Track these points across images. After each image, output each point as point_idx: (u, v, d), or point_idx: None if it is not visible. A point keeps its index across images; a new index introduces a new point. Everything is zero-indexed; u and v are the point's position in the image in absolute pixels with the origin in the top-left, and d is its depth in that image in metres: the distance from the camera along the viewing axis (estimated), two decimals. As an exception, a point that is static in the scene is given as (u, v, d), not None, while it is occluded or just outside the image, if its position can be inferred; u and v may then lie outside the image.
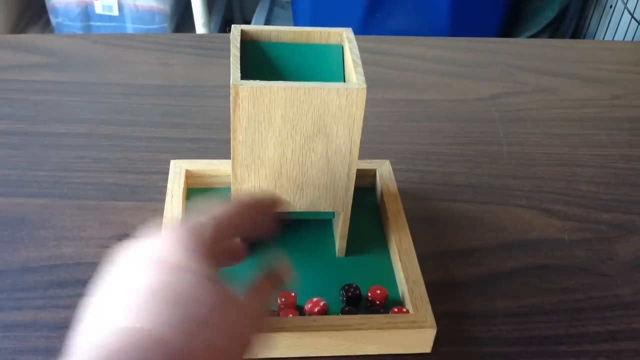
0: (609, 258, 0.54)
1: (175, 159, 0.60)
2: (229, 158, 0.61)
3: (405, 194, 0.56)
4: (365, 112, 0.69)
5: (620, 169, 0.64)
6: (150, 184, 0.57)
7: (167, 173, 0.55)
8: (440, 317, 0.44)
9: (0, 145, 0.61)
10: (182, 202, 0.51)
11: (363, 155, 0.63)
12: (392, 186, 0.54)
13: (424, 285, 0.46)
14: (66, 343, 0.43)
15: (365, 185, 0.56)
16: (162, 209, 0.50)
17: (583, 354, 0.46)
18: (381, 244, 0.51)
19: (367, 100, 0.74)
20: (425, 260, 0.49)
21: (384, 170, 0.56)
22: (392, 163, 0.57)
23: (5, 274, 0.48)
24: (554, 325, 0.48)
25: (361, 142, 0.65)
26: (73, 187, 0.57)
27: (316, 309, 0.44)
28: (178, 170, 0.54)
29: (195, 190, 0.54)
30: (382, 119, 0.68)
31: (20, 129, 0.63)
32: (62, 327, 0.45)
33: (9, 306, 0.46)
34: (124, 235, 0.52)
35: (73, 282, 0.48)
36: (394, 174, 0.56)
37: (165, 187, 0.52)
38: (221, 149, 0.62)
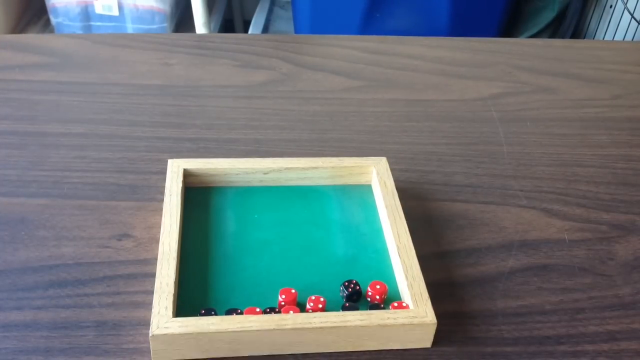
0: (609, 258, 0.54)
1: (175, 158, 0.60)
2: (229, 158, 0.61)
3: (405, 194, 0.56)
4: (365, 112, 0.70)
5: (620, 169, 0.64)
6: (150, 184, 0.57)
7: (166, 173, 0.55)
8: (440, 317, 0.44)
9: (0, 145, 0.61)
10: (181, 201, 0.51)
11: (362, 154, 0.63)
12: (390, 182, 0.54)
13: (423, 281, 0.46)
14: (66, 343, 0.44)
15: (362, 182, 0.56)
16: (162, 209, 0.50)
17: (583, 354, 0.46)
18: (380, 240, 0.51)
19: (367, 100, 0.74)
20: (425, 260, 0.49)
21: (381, 167, 0.56)
22: (392, 163, 0.57)
23: (5, 274, 0.48)
24: (554, 325, 0.48)
25: (361, 142, 0.65)
26: (73, 187, 0.57)
27: (318, 306, 0.45)
28: (176, 169, 0.54)
29: (193, 189, 0.54)
30: (382, 119, 0.68)
31: (20, 129, 0.63)
32: (62, 327, 0.45)
33: (9, 306, 0.46)
34: (124, 235, 0.52)
35: (73, 282, 0.48)
36: (393, 173, 0.56)
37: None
38: (221, 149, 0.62)
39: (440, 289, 0.49)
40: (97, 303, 0.46)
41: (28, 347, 0.43)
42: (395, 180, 0.55)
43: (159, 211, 0.52)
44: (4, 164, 0.58)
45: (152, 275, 0.46)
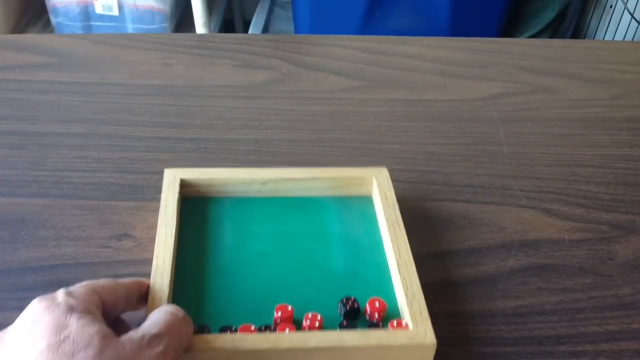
0: (609, 258, 0.54)
1: (175, 159, 0.60)
2: (229, 158, 0.61)
3: (405, 194, 0.56)
4: (365, 112, 0.70)
5: (620, 169, 0.64)
6: (150, 184, 0.57)
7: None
8: (440, 317, 0.44)
9: (0, 145, 0.61)
10: (177, 212, 0.50)
11: (363, 154, 0.63)
12: (390, 194, 0.52)
13: (424, 298, 0.44)
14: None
15: (362, 194, 0.55)
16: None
17: (583, 354, 0.46)
18: (380, 254, 0.50)
19: (367, 100, 0.74)
20: (424, 261, 0.49)
21: (381, 177, 0.54)
22: (392, 163, 0.57)
23: (5, 274, 0.48)
24: (553, 325, 0.48)
25: (361, 142, 0.65)
26: (73, 187, 0.57)
27: (315, 324, 0.43)
28: (172, 179, 0.52)
29: (190, 199, 0.53)
30: (382, 119, 0.68)
31: (20, 129, 0.63)
32: (62, 327, 0.44)
33: (9, 306, 0.46)
34: (124, 235, 0.52)
35: (73, 282, 0.48)
36: (393, 173, 0.55)
37: (165, 187, 0.52)
38: (221, 149, 0.62)
39: (440, 289, 0.49)
40: (97, 303, 0.46)
41: (28, 347, 0.43)
42: (395, 181, 0.54)
43: (158, 211, 0.52)
44: (4, 164, 0.59)
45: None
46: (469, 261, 0.52)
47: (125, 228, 0.53)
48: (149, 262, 0.49)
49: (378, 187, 0.53)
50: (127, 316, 0.46)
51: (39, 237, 0.51)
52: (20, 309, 0.46)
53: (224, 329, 0.43)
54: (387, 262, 0.49)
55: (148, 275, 0.48)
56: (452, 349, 0.45)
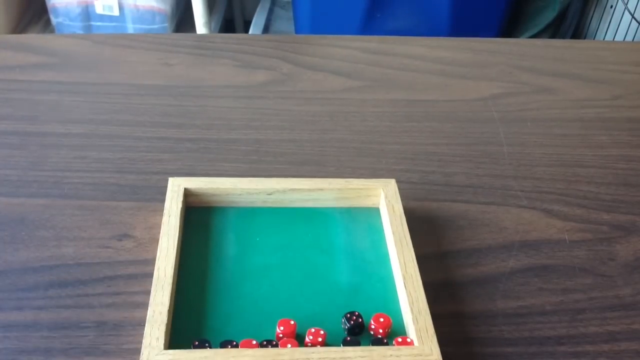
0: (609, 258, 0.54)
1: (175, 159, 0.60)
2: (229, 158, 0.61)
3: (406, 194, 0.56)
4: (366, 112, 0.70)
5: (621, 169, 0.64)
6: (150, 184, 0.57)
7: (167, 173, 0.55)
8: (440, 318, 0.44)
9: (0, 145, 0.61)
10: (180, 222, 0.49)
11: (363, 154, 0.63)
12: (398, 207, 0.52)
13: (429, 314, 0.44)
14: (66, 343, 0.44)
15: (369, 205, 0.54)
16: (162, 209, 0.50)
17: (583, 354, 0.46)
18: (385, 268, 0.49)
19: (368, 101, 0.74)
20: (425, 261, 0.49)
21: (389, 190, 0.53)
22: (392, 163, 0.57)
23: (5, 274, 0.48)
24: (554, 325, 0.48)
25: (361, 142, 0.65)
26: (73, 187, 0.57)
27: (318, 340, 0.43)
28: (176, 188, 0.52)
29: (194, 208, 0.53)
30: (382, 119, 0.68)
31: (20, 129, 0.63)
32: (62, 327, 0.45)
33: (9, 306, 0.46)
34: (124, 235, 0.52)
35: (73, 282, 0.48)
36: (394, 174, 0.55)
37: (166, 186, 0.52)
38: (221, 149, 0.62)
39: (441, 289, 0.49)
40: (97, 303, 0.46)
41: (28, 347, 0.43)
42: (401, 201, 0.53)
43: (159, 211, 0.52)
44: (4, 164, 0.59)
45: (152, 276, 0.46)
46: (470, 261, 0.52)
47: (126, 228, 0.53)
48: (149, 262, 0.49)
49: (385, 199, 0.53)
50: (125, 313, 0.46)
51: (39, 237, 0.51)
52: (20, 309, 0.46)
53: (224, 344, 0.42)
54: (393, 277, 0.49)
55: (149, 274, 0.48)
56: (452, 349, 0.45)
